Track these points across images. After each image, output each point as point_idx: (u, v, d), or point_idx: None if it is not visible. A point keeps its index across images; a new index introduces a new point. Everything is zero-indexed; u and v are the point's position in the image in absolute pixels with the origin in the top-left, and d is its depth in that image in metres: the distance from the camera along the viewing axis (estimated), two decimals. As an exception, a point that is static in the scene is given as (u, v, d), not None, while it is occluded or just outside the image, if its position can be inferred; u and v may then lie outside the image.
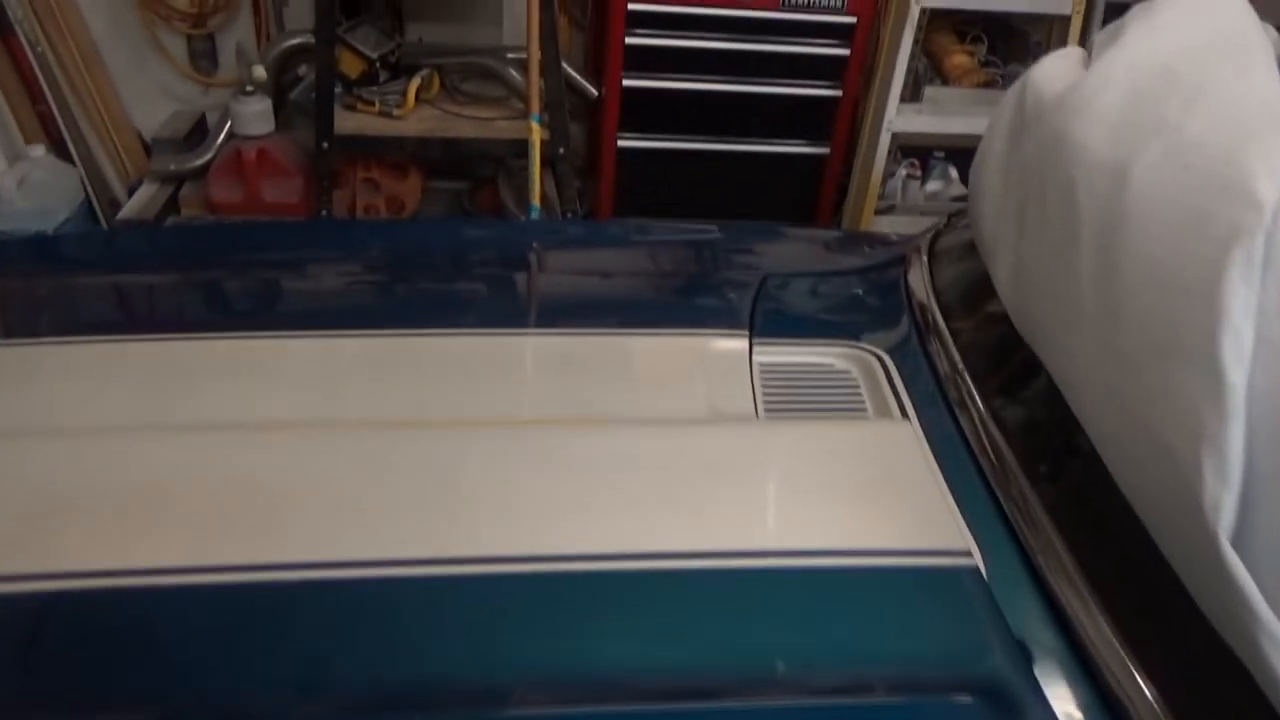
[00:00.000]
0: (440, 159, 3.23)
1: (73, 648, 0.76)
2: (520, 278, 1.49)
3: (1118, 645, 0.78)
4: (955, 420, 1.04)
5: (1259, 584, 0.60)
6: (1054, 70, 1.12)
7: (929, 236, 1.42)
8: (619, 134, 3.24)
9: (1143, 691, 0.74)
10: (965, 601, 0.83)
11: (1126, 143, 0.86)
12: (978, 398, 1.05)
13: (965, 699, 0.76)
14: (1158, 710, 0.72)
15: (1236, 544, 0.62)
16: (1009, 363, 1.10)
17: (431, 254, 1.45)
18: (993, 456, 0.98)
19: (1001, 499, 0.94)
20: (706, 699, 0.77)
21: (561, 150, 3.02)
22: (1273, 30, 1.18)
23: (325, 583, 0.82)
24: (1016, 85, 1.18)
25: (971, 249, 1.25)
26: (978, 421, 1.02)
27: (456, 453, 0.96)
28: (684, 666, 0.78)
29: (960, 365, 1.12)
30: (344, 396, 1.09)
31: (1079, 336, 0.86)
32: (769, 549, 0.88)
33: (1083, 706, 0.77)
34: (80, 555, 0.83)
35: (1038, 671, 0.78)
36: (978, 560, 0.86)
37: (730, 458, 0.99)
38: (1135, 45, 1.02)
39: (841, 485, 0.94)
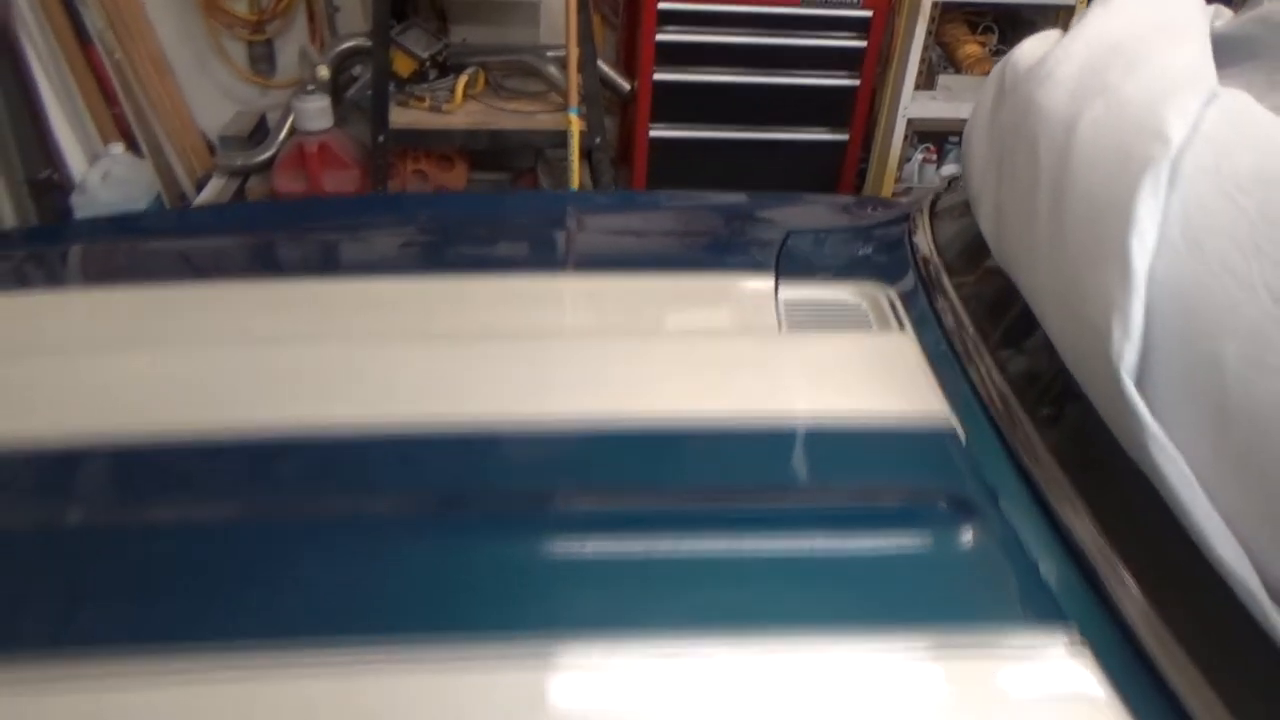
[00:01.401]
0: (484, 151, 3.43)
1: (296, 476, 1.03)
2: (571, 233, 1.73)
3: (1072, 491, 0.97)
4: (946, 336, 1.26)
5: (1150, 409, 0.82)
6: (1031, 49, 1.33)
7: (931, 198, 1.63)
8: (650, 124, 3.40)
9: (1085, 519, 0.94)
10: (945, 452, 1.06)
11: (1077, 103, 1.07)
12: (966, 319, 1.26)
13: (941, 505, 0.99)
14: (1097, 533, 0.92)
15: (1136, 384, 0.84)
16: (993, 294, 1.31)
17: (499, 216, 1.70)
18: (977, 362, 1.19)
19: (982, 394, 1.15)
20: (745, 501, 1.02)
21: (597, 140, 3.20)
22: (1224, 9, 1.39)
23: (452, 432, 1.09)
24: (1000, 63, 1.40)
25: (965, 207, 1.46)
26: (965, 336, 1.23)
27: (537, 353, 1.22)
28: (726, 484, 1.04)
29: (954, 297, 1.33)
30: (438, 319, 1.34)
31: (1037, 258, 1.07)
32: (787, 413, 1.12)
33: (1037, 534, 0.96)
34: (288, 414, 1.10)
35: (1003, 509, 0.99)
36: (958, 430, 1.08)
37: (757, 356, 1.23)
38: (1094, 25, 1.23)
39: (848, 373, 1.17)
